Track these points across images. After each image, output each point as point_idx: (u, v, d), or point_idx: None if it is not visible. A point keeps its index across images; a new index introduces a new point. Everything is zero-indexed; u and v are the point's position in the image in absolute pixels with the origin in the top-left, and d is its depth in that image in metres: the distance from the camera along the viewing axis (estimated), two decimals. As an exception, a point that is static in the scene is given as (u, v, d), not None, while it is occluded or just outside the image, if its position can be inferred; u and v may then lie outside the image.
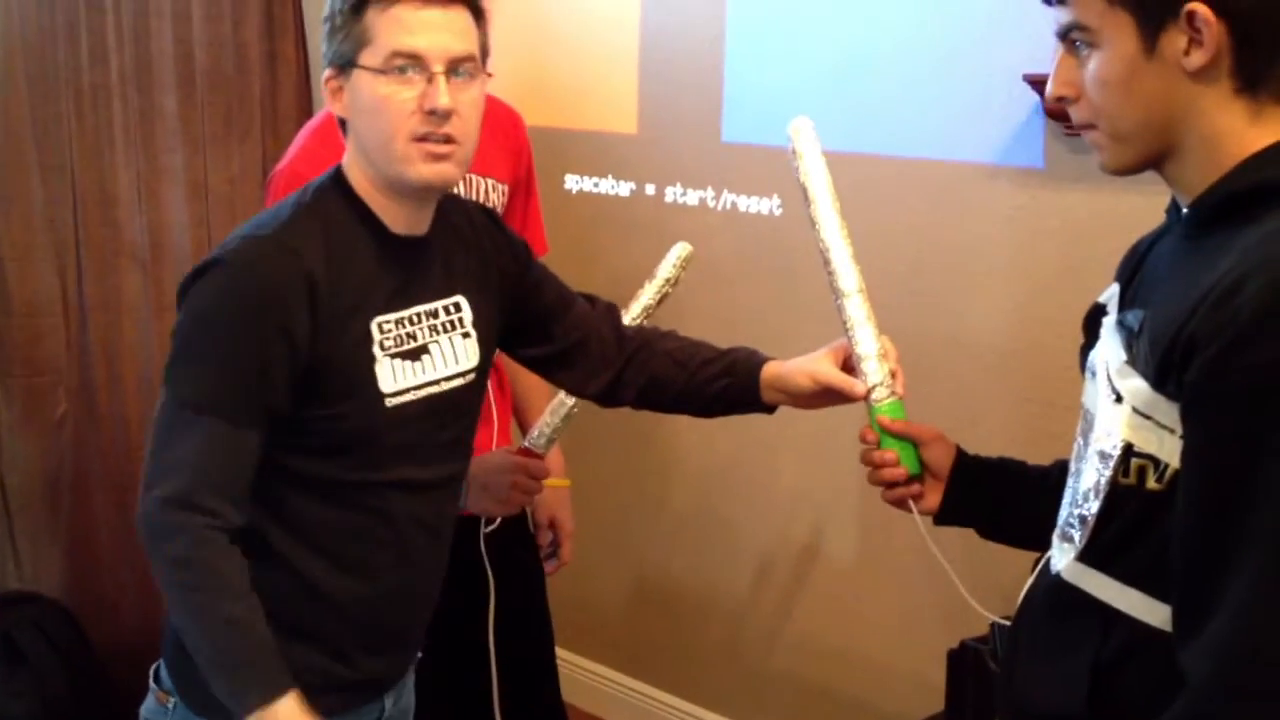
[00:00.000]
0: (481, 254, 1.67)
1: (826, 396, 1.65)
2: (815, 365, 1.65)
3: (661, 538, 3.08)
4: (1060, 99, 1.22)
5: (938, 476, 1.56)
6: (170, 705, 1.60)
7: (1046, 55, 2.20)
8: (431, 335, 1.57)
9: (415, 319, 1.56)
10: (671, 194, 2.87)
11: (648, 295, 1.94)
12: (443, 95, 1.46)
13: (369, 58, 1.46)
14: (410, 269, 1.56)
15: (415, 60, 1.46)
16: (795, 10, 2.63)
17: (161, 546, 1.45)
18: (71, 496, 2.91)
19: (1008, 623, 1.38)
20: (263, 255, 1.46)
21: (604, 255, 3.00)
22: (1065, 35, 1.20)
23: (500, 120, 2.23)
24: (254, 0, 2.97)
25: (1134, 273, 1.28)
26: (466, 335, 1.62)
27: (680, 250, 1.96)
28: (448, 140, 1.48)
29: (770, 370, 1.70)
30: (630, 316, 1.92)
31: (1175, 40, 1.12)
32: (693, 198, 2.83)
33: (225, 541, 1.45)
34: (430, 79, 1.46)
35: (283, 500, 1.52)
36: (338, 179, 1.55)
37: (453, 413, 1.60)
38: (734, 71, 2.73)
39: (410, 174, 1.49)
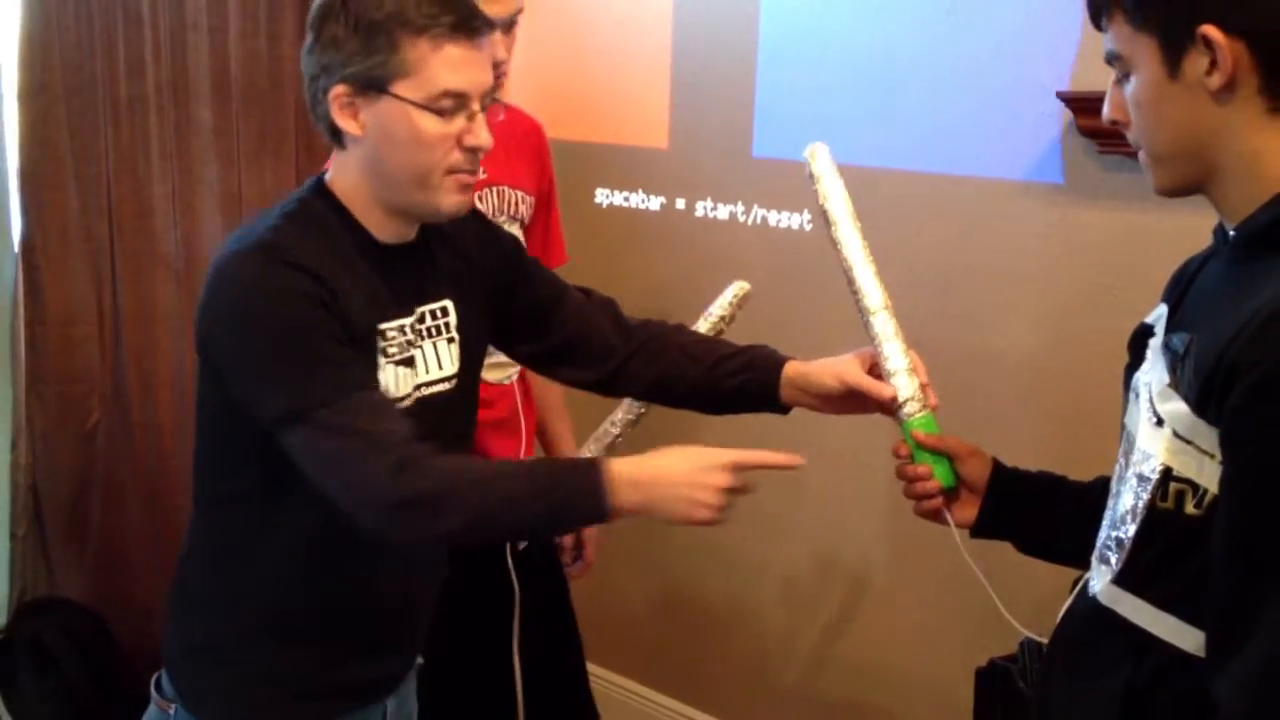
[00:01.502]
0: (467, 255, 1.67)
1: (851, 401, 1.63)
2: (843, 367, 1.63)
3: (687, 552, 3.07)
4: (1114, 122, 1.24)
5: (974, 490, 1.55)
6: (172, 712, 1.61)
7: (1078, 72, 2.21)
8: (419, 340, 1.58)
9: (412, 325, 1.56)
10: (702, 208, 2.88)
11: (702, 330, 1.93)
12: (484, 135, 1.48)
13: (410, 90, 1.45)
14: (402, 275, 1.56)
15: (461, 99, 1.47)
16: (827, 26, 2.63)
17: (428, 512, 1.39)
18: (103, 504, 2.93)
19: (1038, 640, 1.38)
20: (270, 259, 1.44)
21: (634, 269, 3.01)
22: (1110, 62, 1.22)
23: (525, 132, 2.26)
24: (290, 15, 2.99)
25: (1182, 294, 1.27)
26: (451, 340, 1.62)
27: (737, 289, 1.95)
28: (474, 171, 1.51)
29: (793, 369, 1.68)
30: None
31: (1197, 63, 1.13)
32: (723, 212, 2.83)
33: (429, 450, 1.41)
34: (470, 116, 1.48)
35: (289, 503, 1.52)
36: (320, 191, 1.54)
37: (435, 419, 1.58)
38: (765, 87, 2.74)
39: (441, 203, 1.50)
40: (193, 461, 1.62)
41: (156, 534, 2.95)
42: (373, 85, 1.46)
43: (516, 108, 2.34)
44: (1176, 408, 1.14)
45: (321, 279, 1.44)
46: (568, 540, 2.31)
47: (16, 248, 2.80)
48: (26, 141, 2.74)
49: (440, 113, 1.45)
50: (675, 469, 1.42)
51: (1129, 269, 2.22)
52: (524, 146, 2.23)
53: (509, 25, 2.05)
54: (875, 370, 1.62)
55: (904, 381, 1.58)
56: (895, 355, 1.59)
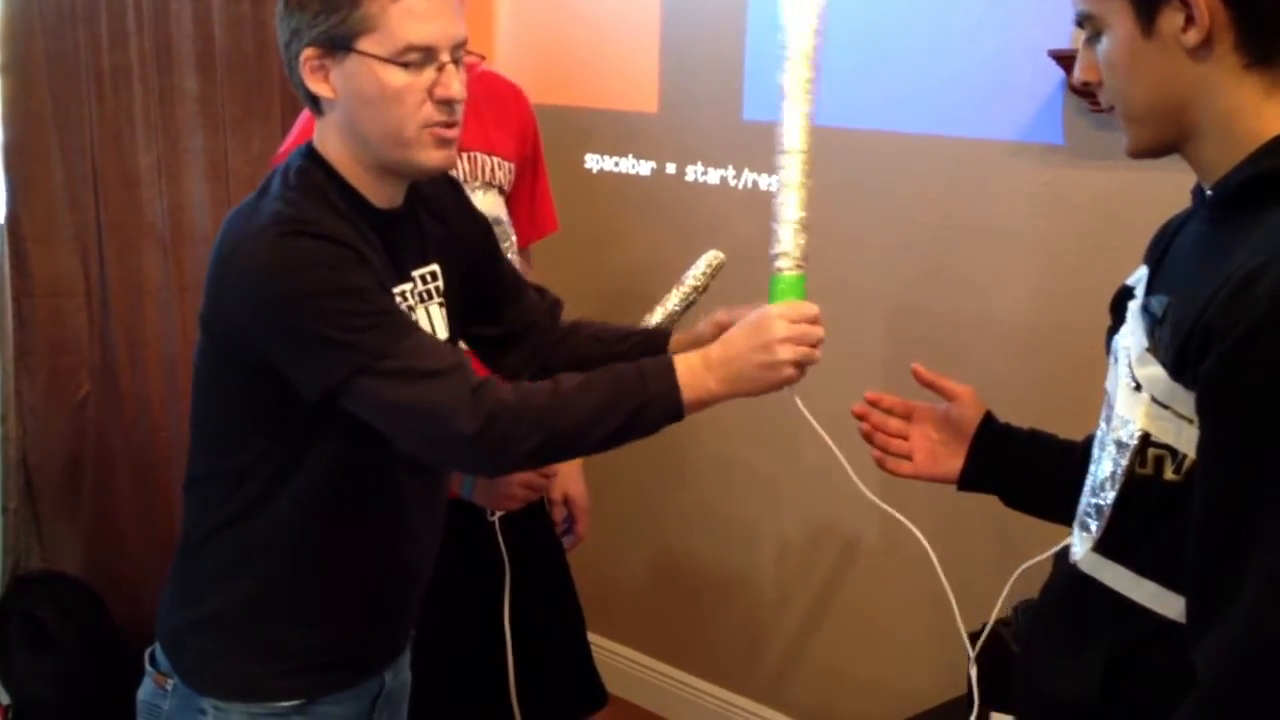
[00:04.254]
0: (449, 224, 1.67)
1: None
2: (719, 313, 1.63)
3: (683, 519, 3.07)
4: (1086, 84, 1.22)
5: (963, 434, 1.52)
6: (169, 687, 1.61)
7: (1071, 31, 2.19)
8: (417, 304, 1.58)
9: (410, 290, 1.57)
10: (692, 173, 2.86)
11: (673, 302, 1.92)
12: (455, 84, 1.46)
13: (375, 45, 1.43)
14: (398, 241, 1.56)
15: (427, 51, 1.44)
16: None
17: (508, 432, 1.40)
18: (94, 476, 2.93)
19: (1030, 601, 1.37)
20: (291, 232, 1.42)
21: (624, 234, 2.99)
22: (1080, 23, 1.20)
23: (504, 97, 2.23)
24: (273, -20, 2.96)
25: (1162, 256, 1.26)
26: (441, 304, 1.62)
27: (710, 258, 1.92)
28: (453, 125, 1.48)
29: (684, 335, 1.70)
30: (653, 320, 1.90)
31: (1172, 19, 1.11)
32: (714, 176, 2.81)
33: (498, 388, 1.42)
34: (440, 68, 1.46)
35: (296, 473, 1.52)
36: (314, 158, 1.52)
37: None
38: (755, 50, 2.71)
39: (422, 159, 1.48)
40: (190, 438, 1.61)
41: (148, 506, 2.94)
42: (338, 44, 1.44)
43: (495, 73, 2.31)
44: (1154, 372, 1.13)
45: (344, 242, 1.44)
46: (558, 514, 2.31)
47: (1, 220, 2.78)
48: (9, 113, 2.72)
49: (406, 66, 1.44)
50: (738, 339, 1.46)
51: (1124, 229, 2.20)
52: (503, 112, 2.20)
53: None
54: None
55: (787, 233, 1.51)
56: (790, 204, 1.52)
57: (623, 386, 1.44)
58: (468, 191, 1.99)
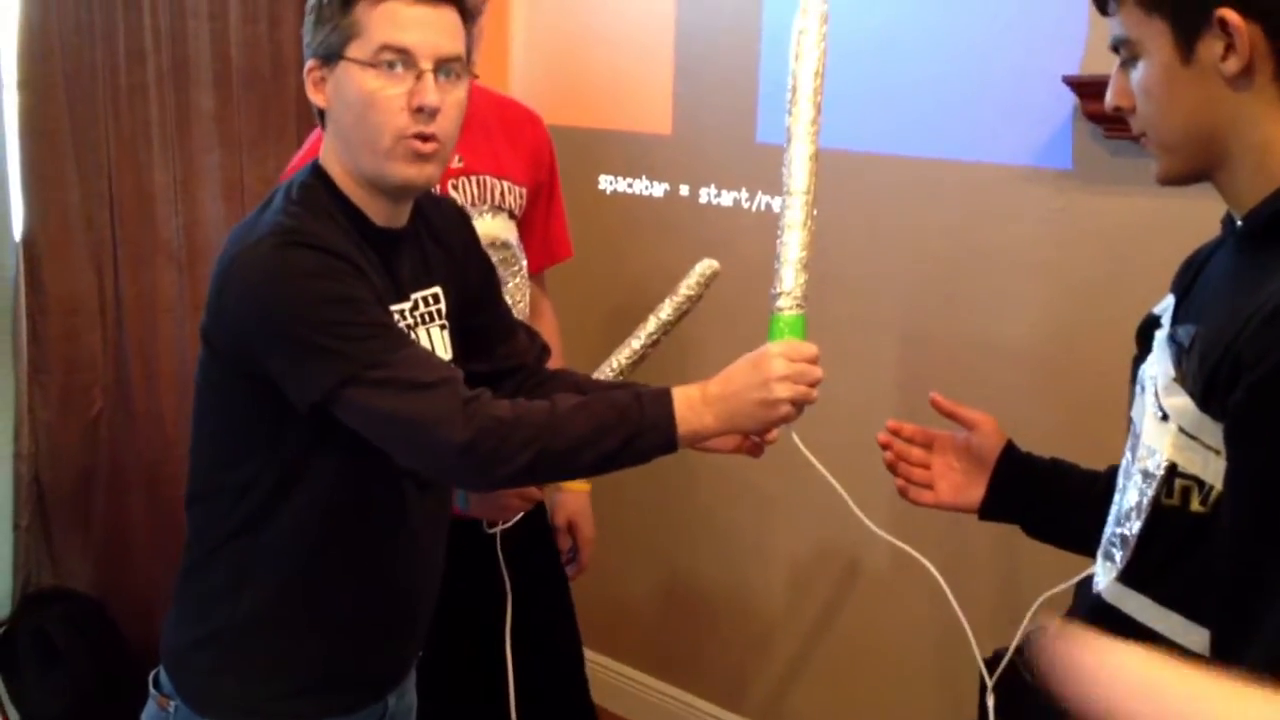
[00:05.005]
0: (452, 250, 1.67)
1: None
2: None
3: (690, 540, 3.06)
4: (1118, 109, 1.21)
5: (984, 463, 1.52)
6: (171, 709, 1.60)
7: (1085, 58, 2.19)
8: (416, 325, 1.58)
9: (410, 311, 1.57)
10: (705, 195, 2.86)
11: (666, 311, 1.91)
12: (431, 93, 1.45)
13: (357, 50, 1.45)
14: (399, 261, 1.56)
15: (404, 56, 1.45)
16: (832, 10, 2.59)
17: (498, 448, 1.39)
18: (106, 494, 2.93)
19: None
20: (290, 242, 1.43)
21: (637, 256, 2.99)
22: (1115, 48, 1.19)
23: (519, 122, 2.23)
24: (290, 1, 2.98)
25: (1190, 285, 1.25)
26: (443, 327, 1.62)
27: (703, 267, 1.91)
28: (430, 139, 1.47)
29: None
30: (647, 330, 1.90)
31: (1212, 47, 1.10)
32: (727, 199, 2.81)
33: (490, 395, 1.42)
34: (419, 76, 1.45)
35: (297, 487, 1.51)
36: (318, 174, 1.53)
37: None
38: (769, 72, 2.72)
39: (393, 172, 1.48)
40: (190, 454, 1.60)
41: (159, 524, 2.94)
42: (331, 53, 1.46)
43: (512, 99, 2.32)
44: (1182, 402, 1.12)
45: (343, 255, 1.44)
46: (563, 543, 2.30)
47: (18, 237, 2.79)
48: (27, 130, 2.73)
49: (383, 69, 1.44)
50: (736, 376, 1.45)
51: (1138, 255, 2.20)
52: (517, 137, 2.20)
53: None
54: None
55: (789, 273, 1.51)
56: (793, 244, 1.51)
57: (619, 412, 1.43)
58: (475, 214, 2.00)
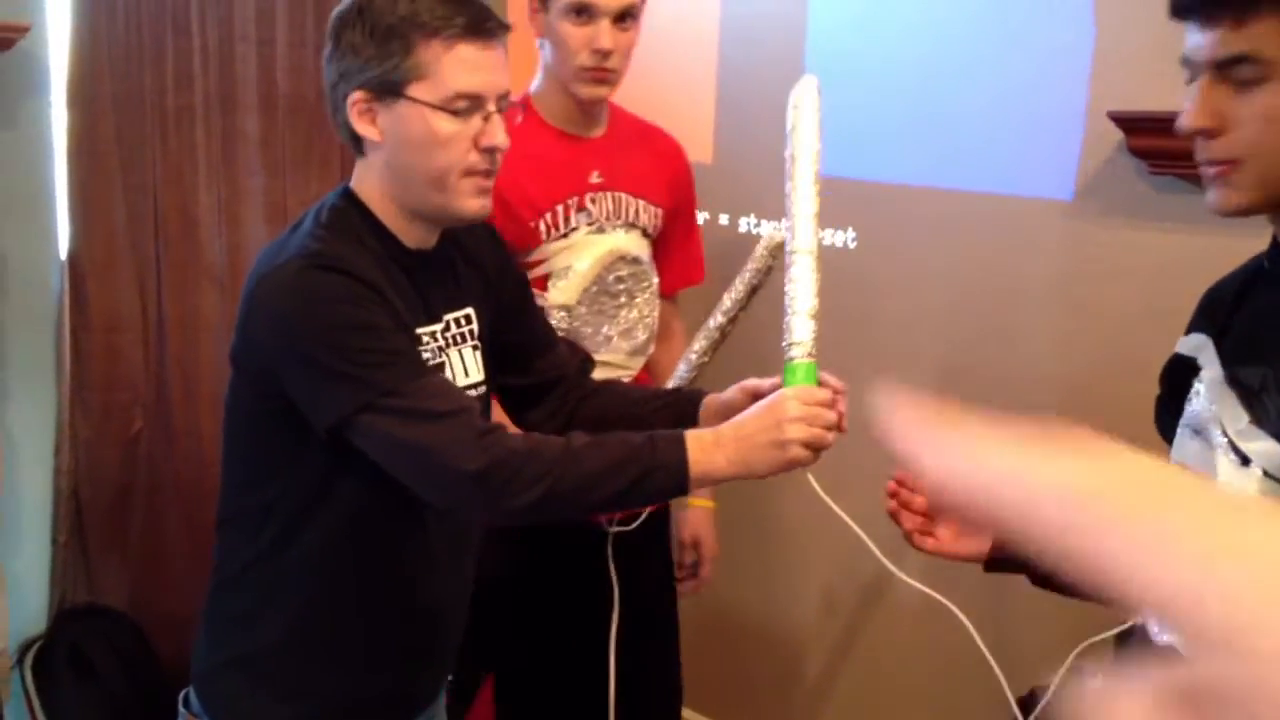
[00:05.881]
0: (483, 268, 1.68)
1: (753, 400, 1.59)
2: (746, 381, 1.61)
3: (722, 567, 3.04)
4: (1201, 130, 1.12)
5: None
6: None
7: (1131, 93, 2.18)
8: (448, 347, 1.58)
9: (441, 332, 1.57)
10: (745, 224, 2.86)
11: (737, 289, 1.89)
12: (500, 134, 1.48)
13: (425, 92, 1.45)
14: (430, 283, 1.57)
15: (476, 100, 1.47)
16: (874, 42, 2.60)
17: (509, 482, 1.39)
18: (144, 512, 2.95)
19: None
20: (315, 265, 1.43)
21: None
22: (1225, 65, 1.10)
23: (662, 150, 2.32)
24: (336, 26, 3.01)
25: (1226, 323, 1.21)
26: (476, 347, 1.63)
27: (767, 240, 1.89)
28: (492, 173, 1.50)
29: (712, 398, 1.66)
30: (722, 310, 1.90)
31: None
32: (767, 229, 2.81)
33: (507, 435, 1.42)
34: (486, 117, 1.47)
35: (319, 511, 1.52)
36: (349, 199, 1.54)
37: None
38: (811, 103, 2.71)
39: (460, 206, 1.50)
40: (221, 477, 1.61)
41: (196, 543, 2.95)
42: (389, 89, 1.46)
43: (659, 127, 2.38)
44: (1265, 446, 1.08)
45: (367, 281, 1.44)
46: (686, 557, 2.30)
47: (63, 255, 2.82)
48: (75, 151, 2.76)
49: (455, 113, 1.46)
50: (750, 420, 1.44)
51: (1182, 292, 2.16)
52: (659, 163, 2.29)
53: (621, 15, 2.06)
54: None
55: (800, 324, 1.51)
56: (804, 296, 1.52)
57: (632, 451, 1.42)
58: (608, 228, 2.11)
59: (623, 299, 2.20)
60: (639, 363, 2.19)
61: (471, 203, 1.50)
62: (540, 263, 2.15)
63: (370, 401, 1.40)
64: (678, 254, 2.35)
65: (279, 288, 1.44)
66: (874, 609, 2.76)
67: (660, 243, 2.29)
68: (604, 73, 2.08)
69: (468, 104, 1.46)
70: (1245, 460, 1.10)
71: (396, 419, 1.40)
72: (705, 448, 1.43)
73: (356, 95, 1.48)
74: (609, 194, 2.18)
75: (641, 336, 2.23)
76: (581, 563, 2.06)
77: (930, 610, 2.57)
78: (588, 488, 1.41)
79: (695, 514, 2.32)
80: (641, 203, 2.22)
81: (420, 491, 1.45)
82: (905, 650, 2.70)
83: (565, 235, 2.15)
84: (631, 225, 2.21)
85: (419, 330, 1.53)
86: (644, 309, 2.22)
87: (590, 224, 2.16)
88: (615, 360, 2.18)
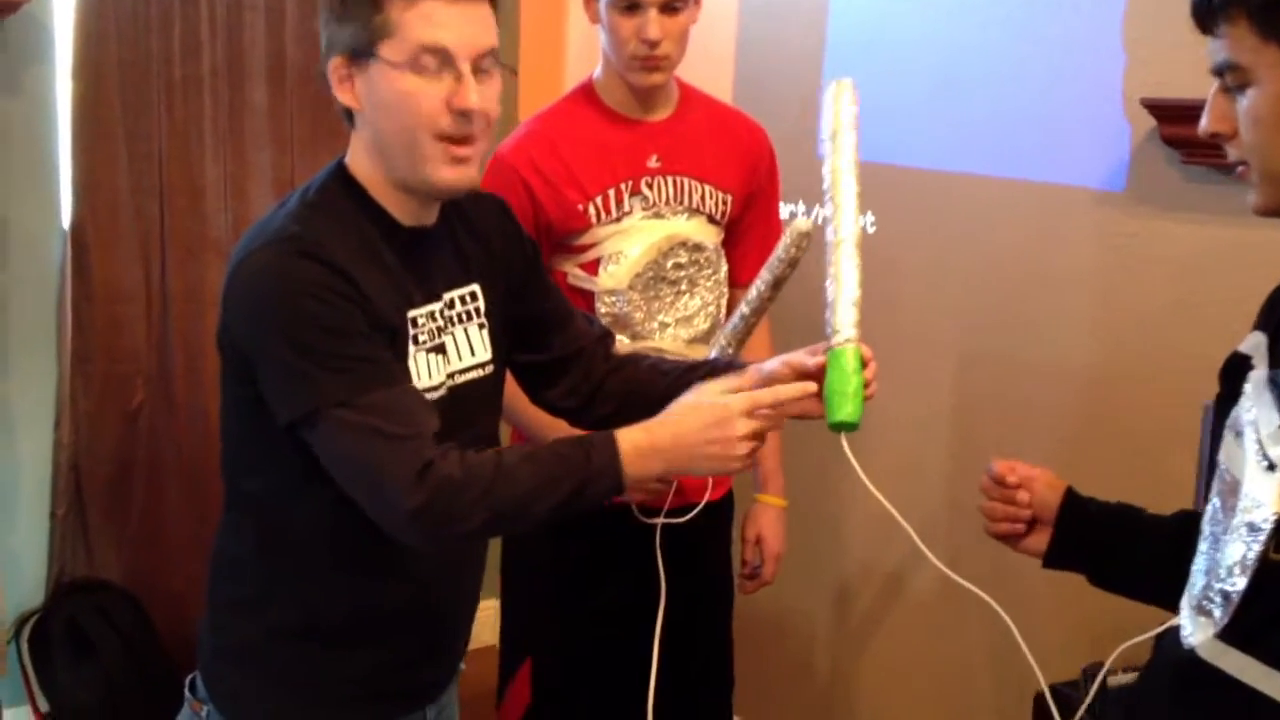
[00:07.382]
0: (490, 245, 1.62)
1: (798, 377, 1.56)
2: (790, 354, 1.58)
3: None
4: (1215, 135, 1.16)
5: (1044, 518, 1.47)
6: (204, 714, 1.59)
7: (1165, 80, 2.13)
8: (450, 326, 1.53)
9: (441, 312, 1.52)
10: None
11: (762, 280, 1.84)
12: (472, 94, 1.40)
13: (392, 51, 1.39)
14: (428, 261, 1.51)
15: (443, 56, 1.39)
16: (897, 29, 2.57)
17: (445, 517, 1.36)
18: (144, 486, 2.92)
19: (1100, 666, 1.29)
20: (290, 251, 1.39)
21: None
22: (1220, 72, 1.14)
23: (737, 132, 2.24)
24: (348, -4, 2.96)
25: None
26: (482, 325, 1.58)
27: (792, 231, 1.84)
28: (467, 141, 1.42)
29: (756, 369, 1.61)
30: (747, 300, 1.85)
31: None
32: (784, 213, 2.76)
33: (458, 455, 1.38)
34: (458, 77, 1.40)
35: (316, 502, 1.47)
36: (341, 174, 1.49)
37: (472, 407, 1.55)
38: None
39: (433, 176, 1.43)
40: (220, 463, 1.58)
41: (197, 517, 2.92)
42: (361, 52, 1.41)
43: (738, 110, 2.32)
44: None
45: (343, 271, 1.39)
46: (749, 554, 2.25)
47: (66, 225, 2.78)
48: (79, 118, 2.72)
49: (421, 71, 1.39)
50: (691, 427, 1.42)
51: (1206, 285, 2.13)
52: (732, 146, 2.20)
53: (667, 4, 2.00)
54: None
55: (845, 311, 1.54)
56: (849, 285, 1.56)
57: (564, 461, 1.40)
58: (668, 214, 2.08)
59: (683, 286, 2.13)
60: (699, 351, 2.09)
61: (445, 171, 1.42)
62: (590, 246, 2.09)
63: (320, 407, 1.37)
64: (759, 241, 2.22)
65: (253, 274, 1.40)
66: (889, 598, 2.73)
67: (733, 230, 2.21)
68: (655, 60, 2.03)
69: (434, 60, 1.39)
70: (1272, 466, 1.08)
71: (344, 431, 1.37)
72: (641, 453, 1.41)
73: (335, 62, 1.43)
74: (669, 178, 2.12)
75: (703, 326, 2.15)
76: (626, 553, 2.01)
77: (950, 598, 2.54)
78: (526, 504, 1.39)
79: (762, 510, 2.24)
80: (707, 187, 2.15)
81: (364, 508, 1.40)
82: (923, 638, 2.68)
83: (618, 220, 2.09)
84: (695, 211, 2.14)
85: (413, 312, 1.48)
86: (706, 297, 2.15)
87: (646, 209, 2.10)
88: (673, 349, 2.10)
